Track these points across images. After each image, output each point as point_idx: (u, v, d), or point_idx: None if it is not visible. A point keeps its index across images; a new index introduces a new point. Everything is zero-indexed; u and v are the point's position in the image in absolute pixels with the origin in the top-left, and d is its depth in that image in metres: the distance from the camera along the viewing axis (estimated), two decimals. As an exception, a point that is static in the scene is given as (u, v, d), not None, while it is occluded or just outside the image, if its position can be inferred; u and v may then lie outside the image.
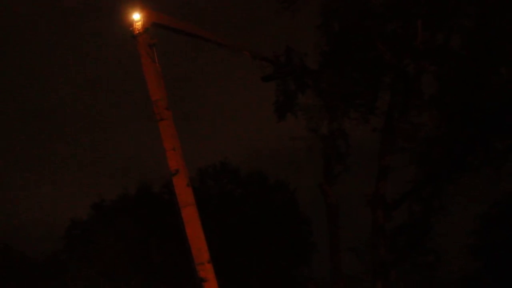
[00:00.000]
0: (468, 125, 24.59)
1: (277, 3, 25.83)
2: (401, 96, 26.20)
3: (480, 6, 24.38)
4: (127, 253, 43.95)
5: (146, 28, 23.03)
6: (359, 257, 27.10)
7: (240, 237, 44.24)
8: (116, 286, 43.89)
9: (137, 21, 23.04)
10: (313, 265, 44.98)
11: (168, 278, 43.13)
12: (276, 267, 44.96)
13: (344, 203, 28.02)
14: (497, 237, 44.51)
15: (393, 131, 26.26)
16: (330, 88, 26.20)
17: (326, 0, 25.95)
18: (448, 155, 25.25)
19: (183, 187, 22.69)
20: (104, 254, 44.22)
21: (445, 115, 25.32)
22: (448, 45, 25.32)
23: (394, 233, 26.46)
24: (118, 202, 47.29)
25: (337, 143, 27.13)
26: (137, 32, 22.96)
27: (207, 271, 22.06)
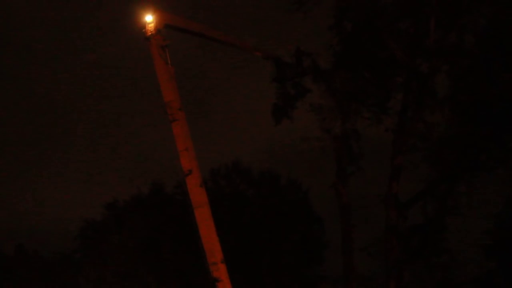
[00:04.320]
0: (481, 124, 24.46)
1: (288, 3, 25.80)
2: (414, 96, 26.09)
3: (493, 5, 24.26)
4: (140, 253, 44.13)
5: (158, 30, 23.10)
6: (372, 256, 26.97)
7: (253, 236, 44.30)
8: (129, 285, 44.07)
9: (150, 23, 23.12)
10: (327, 265, 44.99)
11: (180, 278, 43.27)
12: (289, 266, 45.00)
13: (357, 203, 27.99)
14: (511, 238, 44.31)
15: (406, 131, 26.17)
16: (343, 88, 26.13)
17: (338, 0, 25.88)
18: (462, 155, 25.14)
19: (196, 187, 22.82)
20: (118, 254, 44.43)
21: (459, 114, 25.22)
22: (461, 44, 25.17)
23: (408, 232, 26.36)
24: (131, 202, 47.52)
25: (350, 143, 27.08)
26: (150, 33, 23.05)
27: (220, 271, 22.17)
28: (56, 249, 52.76)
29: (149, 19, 23.13)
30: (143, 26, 23.19)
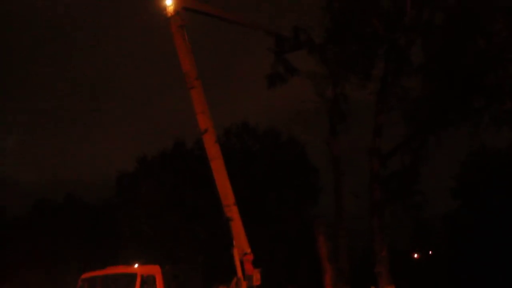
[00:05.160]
0: (449, 87, 24.47)
1: None
2: (393, 64, 26.06)
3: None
4: (166, 197, 44.65)
5: (177, 12, 22.91)
6: (359, 198, 27.22)
7: (260, 183, 44.69)
8: (157, 223, 44.74)
9: (169, 6, 22.94)
10: (322, 207, 45.41)
11: (200, 217, 43.83)
12: (290, 207, 45.49)
13: (346, 155, 28.14)
14: (473, 181, 44.77)
15: (386, 94, 26.23)
16: (334, 59, 26.10)
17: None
18: (433, 113, 25.20)
19: (212, 144, 22.96)
20: (147, 198, 44.96)
21: (430, 79, 25.20)
22: (433, 21, 25.03)
23: (388, 178, 26.62)
24: (158, 156, 47.88)
25: (340, 105, 27.14)
26: (170, 15, 22.87)
27: (232, 212, 22.45)
28: (97, 195, 53.43)
29: (168, 2, 22.95)
30: (164, 8, 23.02)
